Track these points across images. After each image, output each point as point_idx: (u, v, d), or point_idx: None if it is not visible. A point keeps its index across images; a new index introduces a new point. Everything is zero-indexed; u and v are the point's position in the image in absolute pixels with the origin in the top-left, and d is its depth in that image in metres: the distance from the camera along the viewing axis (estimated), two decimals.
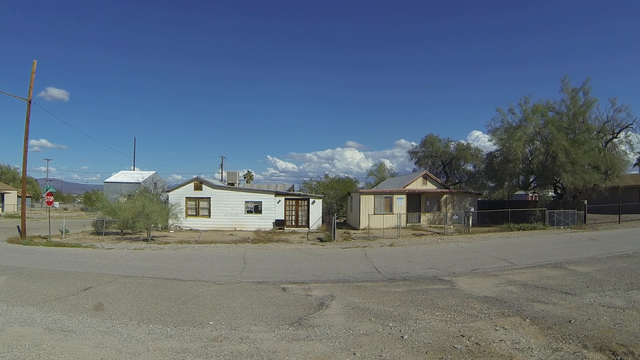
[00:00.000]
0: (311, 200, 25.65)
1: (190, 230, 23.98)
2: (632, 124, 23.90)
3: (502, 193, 32.24)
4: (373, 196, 25.30)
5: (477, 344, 4.85)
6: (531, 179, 26.54)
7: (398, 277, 9.47)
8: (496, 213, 24.93)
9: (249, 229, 23.99)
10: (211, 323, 6.04)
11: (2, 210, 43.50)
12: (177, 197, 24.71)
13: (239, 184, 30.08)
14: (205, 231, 23.39)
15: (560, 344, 4.75)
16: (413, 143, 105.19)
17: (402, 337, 5.19)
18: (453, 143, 38.04)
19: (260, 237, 20.04)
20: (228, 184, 28.83)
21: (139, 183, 37.66)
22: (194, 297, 7.73)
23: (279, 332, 5.59)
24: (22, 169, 21.04)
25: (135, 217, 19.60)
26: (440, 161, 38.26)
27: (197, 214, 25.24)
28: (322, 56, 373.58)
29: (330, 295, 7.71)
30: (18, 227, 21.04)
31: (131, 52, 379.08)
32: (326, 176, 43.72)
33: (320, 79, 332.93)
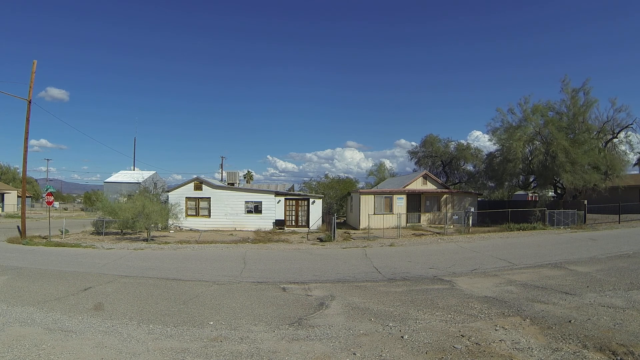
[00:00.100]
0: (311, 200, 25.65)
1: (190, 230, 23.98)
2: (632, 124, 23.94)
3: (502, 193, 32.25)
4: (373, 196, 25.30)
5: (477, 344, 4.85)
6: (531, 179, 26.55)
7: (398, 277, 9.47)
8: (496, 213, 24.93)
9: (249, 229, 23.99)
10: (211, 323, 6.04)
11: (2, 210, 43.50)
12: (177, 197, 24.71)
13: (239, 184, 30.08)
14: (205, 231, 23.39)
15: (560, 344, 4.75)
16: (413, 143, 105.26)
17: (402, 337, 5.19)
18: (453, 143, 38.08)
19: (260, 237, 20.03)
20: (228, 184, 28.83)
21: (139, 183, 37.66)
22: (194, 297, 7.73)
23: (279, 332, 5.59)
24: (22, 169, 21.06)
25: (135, 217, 19.60)
26: (440, 161, 38.26)
27: (197, 214, 25.24)
28: (322, 56, 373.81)
29: (330, 295, 7.71)
30: (18, 227, 21.04)
31: (131, 52, 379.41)
32: (326, 176, 43.77)
33: (320, 79, 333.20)
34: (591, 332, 5.08)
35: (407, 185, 27.26)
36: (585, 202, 22.76)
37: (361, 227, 23.70)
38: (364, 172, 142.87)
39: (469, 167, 37.17)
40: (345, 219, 32.67)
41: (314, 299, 7.42)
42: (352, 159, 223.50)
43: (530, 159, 23.83)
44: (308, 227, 25.06)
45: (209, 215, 25.18)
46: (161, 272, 10.74)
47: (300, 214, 25.63)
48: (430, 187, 27.56)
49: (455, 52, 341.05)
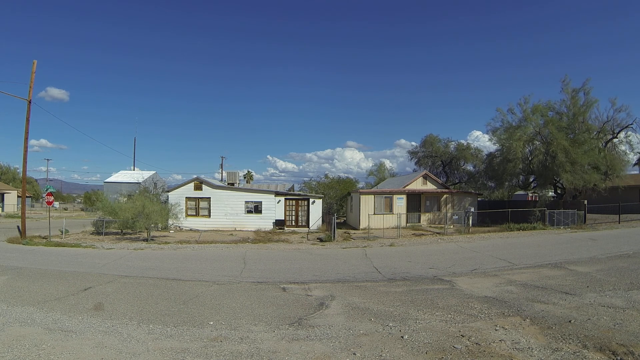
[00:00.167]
0: (311, 200, 25.65)
1: (190, 230, 23.98)
2: (632, 124, 23.94)
3: (502, 193, 32.25)
4: (373, 196, 25.30)
5: (477, 344, 4.85)
6: (531, 179, 26.55)
7: (398, 277, 9.47)
8: (496, 213, 24.93)
9: (249, 229, 23.99)
10: (211, 323, 6.04)
11: (2, 210, 43.50)
12: (177, 197, 24.71)
13: (239, 184, 30.08)
14: (205, 231, 23.39)
15: (560, 344, 4.75)
16: (413, 143, 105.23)
17: (402, 337, 5.19)
18: (453, 143, 38.07)
19: (260, 237, 20.03)
20: (228, 184, 28.83)
21: (139, 183, 37.66)
22: (194, 297, 7.73)
23: (279, 332, 5.59)
24: (22, 169, 21.06)
25: (135, 217, 19.59)
26: (440, 161, 38.25)
27: (197, 214, 25.24)
28: (322, 56, 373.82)
29: (330, 295, 7.71)
30: (18, 227, 21.04)
31: (131, 52, 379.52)
32: (326, 176, 43.77)
33: (320, 79, 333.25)
34: (591, 332, 5.08)
35: (407, 185, 27.26)
36: (585, 202, 22.76)
37: (361, 227, 23.70)
38: (364, 172, 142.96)
39: (469, 167, 37.19)
40: (345, 219, 32.67)
41: (314, 299, 7.42)
42: (352, 159, 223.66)
43: (530, 159, 23.83)
44: (308, 227, 25.06)
45: (209, 215, 25.17)
46: (161, 272, 10.74)
47: (300, 214, 25.63)
48: (430, 187, 27.56)
49: (455, 52, 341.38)
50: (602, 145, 24.25)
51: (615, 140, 24.57)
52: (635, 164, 29.61)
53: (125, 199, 24.25)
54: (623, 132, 24.46)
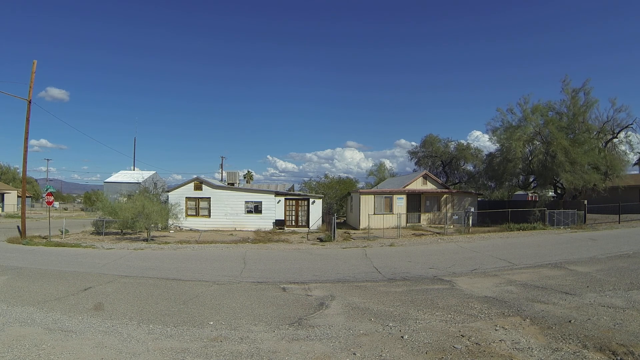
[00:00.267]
0: (311, 200, 25.64)
1: (190, 230, 23.98)
2: (632, 124, 23.92)
3: (502, 193, 32.26)
4: (373, 196, 25.30)
5: (477, 344, 4.85)
6: (531, 179, 26.54)
7: (398, 277, 9.47)
8: (496, 213, 24.93)
9: (249, 229, 23.98)
10: (211, 323, 6.04)
11: (2, 210, 43.50)
12: (177, 197, 24.71)
13: (239, 184, 30.08)
14: (205, 231, 23.39)
15: (560, 344, 4.75)
16: (413, 143, 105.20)
17: (402, 337, 5.19)
18: (453, 143, 38.06)
19: (260, 237, 20.03)
20: (228, 184, 28.83)
21: (139, 183, 37.67)
22: (194, 297, 7.73)
23: (279, 332, 5.59)
24: (22, 169, 21.07)
25: (135, 217, 19.59)
26: (440, 161, 38.25)
27: (197, 214, 25.24)
28: (322, 56, 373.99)
29: (330, 295, 7.71)
30: (18, 227, 21.04)
31: (131, 52, 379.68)
32: (326, 176, 43.77)
33: (320, 79, 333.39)
34: (591, 332, 5.08)
35: (407, 185, 27.26)
36: (585, 202, 22.76)
37: (361, 227, 23.70)
38: (364, 172, 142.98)
39: (469, 167, 37.18)
40: (345, 219, 32.67)
41: (314, 299, 7.42)
42: (352, 159, 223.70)
43: (530, 159, 23.83)
44: (308, 227, 25.06)
45: (209, 215, 25.17)
46: (161, 272, 10.74)
47: (300, 214, 25.63)
48: (430, 187, 27.56)
49: (455, 52, 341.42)
50: (602, 145, 24.25)
51: (615, 140, 24.56)
52: (635, 164, 29.59)
53: (125, 199, 24.24)
54: (623, 132, 24.46)
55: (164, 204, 22.84)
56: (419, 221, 25.75)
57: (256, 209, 25.30)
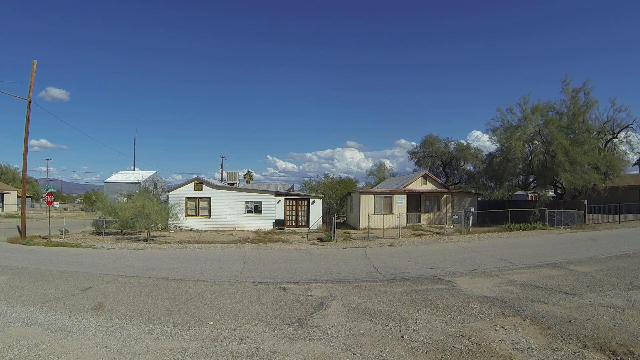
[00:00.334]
0: (311, 200, 25.64)
1: (190, 230, 23.98)
2: (632, 124, 23.90)
3: (502, 193, 32.25)
4: (373, 196, 25.30)
5: (477, 344, 4.85)
6: (531, 179, 26.54)
7: (398, 277, 9.47)
8: (496, 213, 24.92)
9: (249, 229, 23.99)
10: (211, 323, 6.04)
11: (2, 210, 43.49)
12: (177, 197, 24.71)
13: (239, 184, 30.07)
14: (205, 231, 23.39)
15: (560, 344, 4.75)
16: (413, 143, 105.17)
17: (402, 337, 5.19)
18: (453, 143, 38.06)
19: (260, 237, 20.03)
20: (228, 184, 28.83)
21: (139, 183, 37.67)
22: (194, 297, 7.73)
23: (279, 332, 5.59)
24: (22, 169, 21.06)
25: (135, 217, 19.59)
26: (440, 161, 38.24)
27: (197, 214, 25.24)
28: (322, 56, 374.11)
29: (330, 295, 7.71)
30: (18, 227, 21.04)
31: (131, 52, 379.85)
32: (326, 176, 43.77)
33: (320, 79, 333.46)
34: (591, 332, 5.08)
35: (407, 185, 27.26)
36: (585, 202, 22.76)
37: (361, 227, 23.70)
38: (364, 172, 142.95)
39: (469, 167, 37.17)
40: (345, 219, 32.67)
41: (314, 299, 7.42)
42: (352, 159, 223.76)
43: (530, 158, 23.83)
44: (308, 227, 25.06)
45: (209, 215, 25.17)
46: (161, 272, 10.74)
47: (300, 214, 25.63)
48: (430, 187, 27.56)
49: (455, 52, 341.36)
50: (602, 145, 24.24)
51: (615, 140, 24.56)
52: (635, 164, 29.59)
53: (125, 199, 24.24)
54: (623, 132, 24.45)
55: (164, 204, 22.84)
56: (419, 221, 25.75)
57: (256, 209, 25.30)
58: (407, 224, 24.37)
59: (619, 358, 4.28)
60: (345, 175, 59.32)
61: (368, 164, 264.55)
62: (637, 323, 5.36)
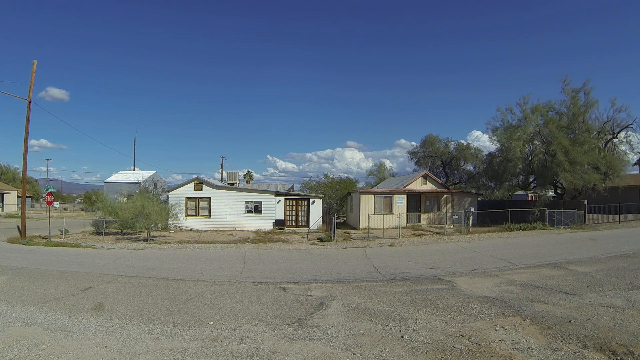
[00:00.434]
0: (311, 200, 25.64)
1: (190, 230, 23.98)
2: (632, 124, 23.88)
3: (502, 193, 32.23)
4: (373, 196, 25.30)
5: (477, 344, 4.85)
6: (531, 179, 26.54)
7: (398, 277, 9.47)
8: (496, 213, 24.92)
9: (249, 229, 23.98)
10: (211, 323, 6.04)
11: (2, 210, 43.49)
12: (177, 197, 24.71)
13: (239, 184, 30.07)
14: (205, 231, 23.38)
15: (560, 344, 4.75)
16: (413, 143, 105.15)
17: (402, 337, 5.19)
18: (453, 143, 38.05)
19: (260, 237, 20.03)
20: (228, 184, 28.82)
21: (139, 183, 37.67)
22: (194, 297, 7.73)
23: (279, 332, 5.59)
24: (22, 169, 21.06)
25: (135, 217, 19.59)
26: (440, 161, 38.24)
27: (197, 214, 25.24)
28: (322, 56, 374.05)
29: (330, 295, 7.71)
30: (18, 227, 21.04)
31: (131, 52, 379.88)
32: (326, 176, 43.75)
33: (320, 79, 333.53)
34: (591, 332, 5.08)
35: (407, 185, 27.25)
36: (585, 202, 22.76)
37: (361, 227, 23.70)
38: (364, 172, 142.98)
39: (469, 167, 37.17)
40: (345, 219, 32.66)
41: (314, 299, 7.42)
42: (352, 159, 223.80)
43: (530, 158, 23.84)
44: (308, 227, 25.06)
45: (209, 215, 25.17)
46: (161, 272, 10.74)
47: (300, 214, 25.63)
48: (430, 187, 27.56)
49: (455, 52, 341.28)
50: (602, 145, 24.23)
51: (615, 140, 24.55)
52: (635, 164, 29.59)
53: (125, 199, 24.24)
54: (623, 132, 24.43)
55: (164, 204, 22.84)
56: (419, 221, 25.75)
57: (256, 209, 25.30)
58: (407, 224, 24.37)
59: (619, 358, 4.28)
60: (345, 175, 59.50)
61: (368, 164, 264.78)
62: (637, 323, 5.36)
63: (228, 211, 25.08)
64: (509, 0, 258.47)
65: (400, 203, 25.24)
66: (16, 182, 54.59)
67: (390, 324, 5.75)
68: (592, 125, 23.85)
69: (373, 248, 15.58)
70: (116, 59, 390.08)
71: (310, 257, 13.65)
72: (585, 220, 21.85)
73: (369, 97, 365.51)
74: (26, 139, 19.37)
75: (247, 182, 50.95)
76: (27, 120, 19.41)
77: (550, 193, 26.11)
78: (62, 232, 21.34)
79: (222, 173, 51.22)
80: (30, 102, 19.21)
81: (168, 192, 26.37)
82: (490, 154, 28.63)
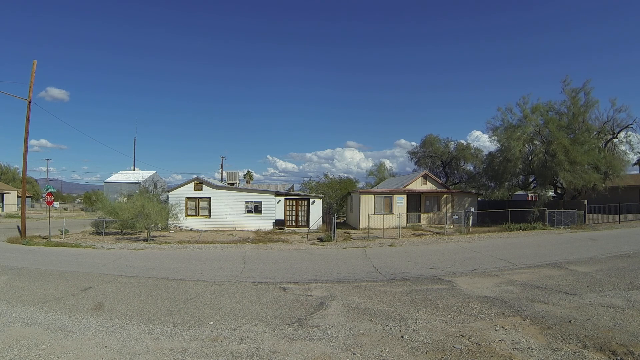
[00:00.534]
0: (311, 200, 25.64)
1: (190, 230, 23.98)
2: (632, 124, 23.88)
3: (502, 193, 32.22)
4: (373, 196, 25.30)
5: (477, 344, 4.85)
6: (531, 179, 26.55)
7: (398, 277, 9.47)
8: (496, 213, 24.93)
9: (249, 229, 23.99)
10: (211, 323, 6.04)
11: (2, 210, 43.49)
12: (177, 197, 24.71)
13: (239, 184, 30.08)
14: (205, 231, 23.39)
15: (560, 344, 4.75)
16: (413, 143, 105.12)
17: (402, 337, 5.19)
18: (453, 143, 38.06)
19: (260, 237, 20.03)
20: (228, 184, 28.83)
21: (139, 183, 37.69)
22: (194, 297, 7.73)
23: (279, 332, 5.59)
24: (22, 169, 21.06)
25: (135, 217, 19.59)
26: (440, 161, 38.25)
27: (197, 214, 25.24)
28: (322, 56, 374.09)
29: (330, 295, 7.71)
30: (18, 227, 21.04)
31: (131, 52, 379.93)
32: (326, 176, 43.73)
33: (320, 79, 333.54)
34: (591, 332, 5.08)
35: (407, 185, 27.26)
36: (585, 202, 22.76)
37: (361, 227, 23.70)
38: (364, 172, 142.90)
39: (469, 167, 37.18)
40: (345, 219, 32.67)
41: (314, 299, 7.42)
42: (352, 159, 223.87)
43: (530, 158, 23.84)
44: (308, 227, 25.06)
45: (209, 215, 25.17)
46: (161, 272, 10.74)
47: (300, 214, 25.63)
48: (430, 187, 27.56)
49: (455, 52, 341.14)
50: (602, 145, 24.23)
51: (615, 140, 24.55)
52: (635, 164, 29.63)
53: (125, 199, 24.26)
54: (623, 132, 24.44)
55: (164, 204, 22.83)
56: (419, 221, 25.75)
57: (256, 209, 25.30)
58: (407, 224, 24.37)
59: (619, 358, 4.28)
60: (345, 175, 59.52)
61: (368, 164, 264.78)
62: (637, 323, 5.36)
63: (228, 211, 25.08)
64: (509, 0, 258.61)
65: (400, 203, 25.25)
66: (16, 182, 54.59)
67: (390, 324, 5.76)
68: (592, 125, 23.86)
69: (373, 248, 15.58)
70: (116, 59, 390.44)
71: (310, 257, 13.65)
72: (585, 220, 21.86)
73: (369, 97, 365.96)
74: (26, 139, 19.38)
75: (247, 182, 50.96)
76: (27, 120, 19.42)
77: (550, 193, 26.11)
78: (62, 232, 21.35)
79: (222, 173, 51.24)
80: (30, 102, 19.22)
81: (168, 192, 26.37)
82: (490, 154, 28.64)
